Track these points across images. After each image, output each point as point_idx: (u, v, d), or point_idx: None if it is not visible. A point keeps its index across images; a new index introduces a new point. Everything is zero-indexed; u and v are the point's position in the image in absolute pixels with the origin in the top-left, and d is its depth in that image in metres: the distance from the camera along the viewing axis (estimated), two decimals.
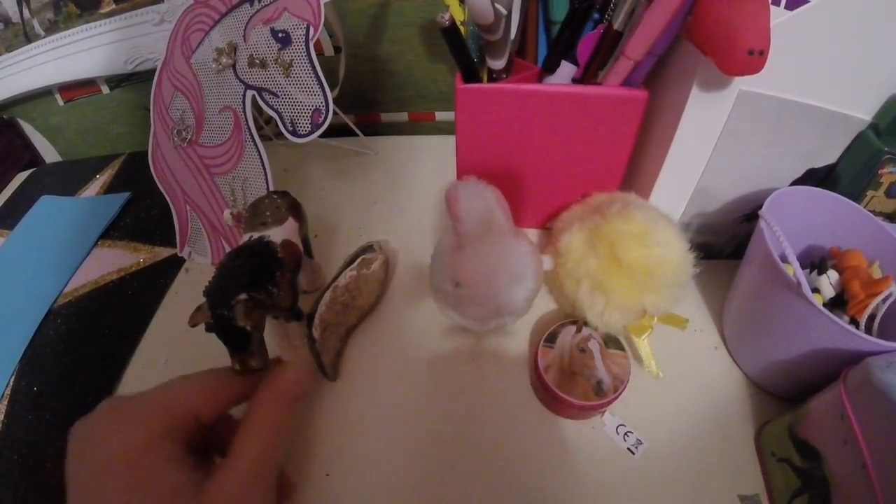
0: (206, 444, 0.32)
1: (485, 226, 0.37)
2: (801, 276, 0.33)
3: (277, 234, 0.40)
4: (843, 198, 0.40)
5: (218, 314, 0.33)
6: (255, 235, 0.39)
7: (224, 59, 0.50)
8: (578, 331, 0.42)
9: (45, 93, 0.73)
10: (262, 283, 0.35)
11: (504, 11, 0.40)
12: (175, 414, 0.29)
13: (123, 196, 0.67)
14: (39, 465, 0.41)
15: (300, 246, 0.43)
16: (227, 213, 0.52)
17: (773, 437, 0.37)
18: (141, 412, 0.29)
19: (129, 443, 0.27)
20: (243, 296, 0.33)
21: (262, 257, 0.37)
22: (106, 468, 0.27)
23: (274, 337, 0.43)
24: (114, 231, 0.63)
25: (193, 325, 0.33)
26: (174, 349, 0.48)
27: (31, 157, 0.82)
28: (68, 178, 0.74)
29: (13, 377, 0.48)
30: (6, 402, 0.46)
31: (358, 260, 0.47)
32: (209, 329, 0.33)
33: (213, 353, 0.47)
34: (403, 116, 0.74)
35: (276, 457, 0.32)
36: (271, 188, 0.50)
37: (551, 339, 0.41)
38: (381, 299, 0.50)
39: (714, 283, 0.48)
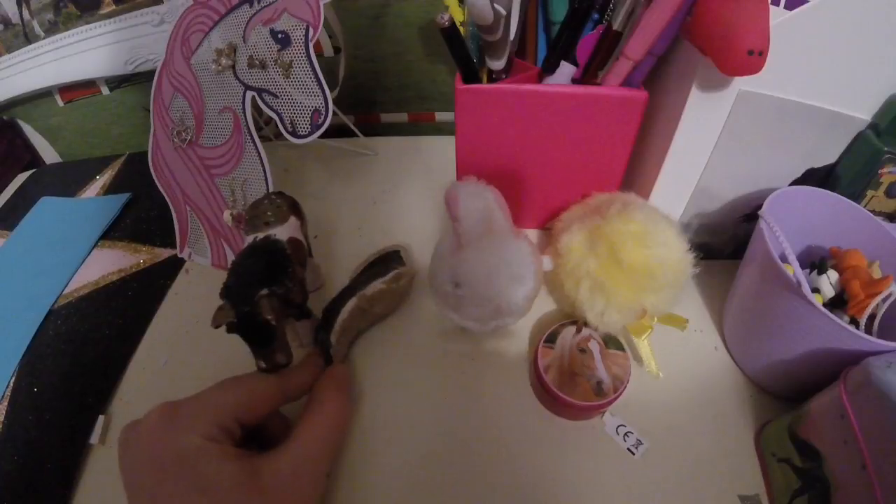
0: (256, 439, 0.33)
1: (484, 226, 0.37)
2: (801, 276, 0.33)
3: (282, 232, 0.40)
4: (843, 198, 0.40)
5: (242, 312, 0.33)
6: (261, 235, 0.39)
7: (224, 60, 0.50)
8: (578, 331, 0.42)
9: (45, 94, 0.74)
10: (279, 278, 0.36)
11: (503, 12, 0.40)
12: (221, 420, 0.30)
13: (123, 197, 0.67)
14: (39, 466, 0.41)
15: (305, 243, 0.43)
16: (227, 214, 0.52)
17: (774, 437, 0.37)
18: (190, 420, 0.30)
19: (182, 447, 0.29)
20: (265, 291, 0.34)
21: (274, 255, 0.37)
22: (163, 473, 0.28)
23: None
24: (114, 232, 0.63)
25: (217, 326, 0.33)
26: (174, 350, 0.48)
27: (32, 158, 0.82)
28: (68, 179, 0.74)
29: (13, 378, 0.48)
30: (6, 403, 0.46)
31: (391, 273, 0.46)
32: (231, 329, 0.33)
33: (213, 353, 0.47)
34: (403, 117, 0.74)
35: (333, 443, 0.35)
36: (271, 189, 0.50)
37: (551, 339, 0.41)
38: (396, 310, 0.49)
39: (714, 283, 0.48)
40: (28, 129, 0.80)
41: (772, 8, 0.33)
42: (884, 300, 0.35)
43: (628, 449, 0.38)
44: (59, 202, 0.70)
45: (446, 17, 0.37)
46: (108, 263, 0.58)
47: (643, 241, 0.38)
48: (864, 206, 0.41)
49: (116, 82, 0.73)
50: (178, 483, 0.27)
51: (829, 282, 0.38)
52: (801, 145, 0.41)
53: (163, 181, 0.58)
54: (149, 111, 0.57)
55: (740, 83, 0.37)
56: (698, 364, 0.44)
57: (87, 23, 0.66)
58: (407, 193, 0.63)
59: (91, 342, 0.50)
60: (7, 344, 0.51)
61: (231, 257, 0.55)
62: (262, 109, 0.49)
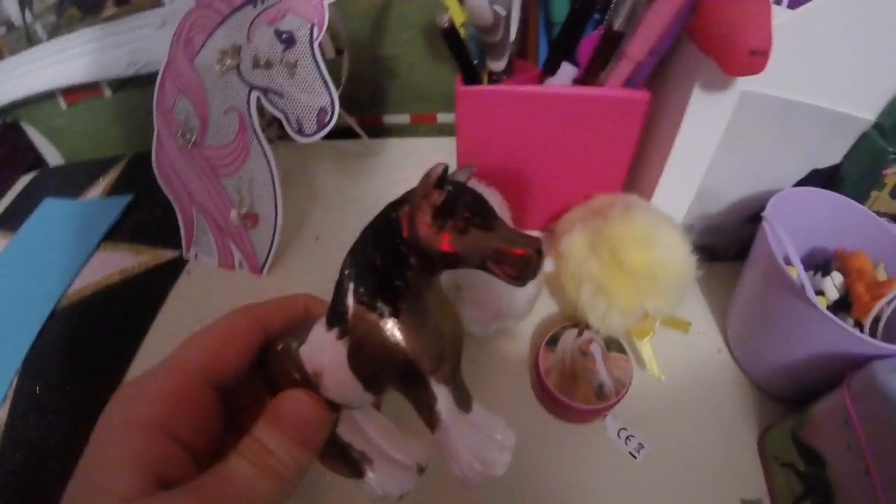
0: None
1: None
2: (805, 278, 0.33)
3: None
4: (847, 199, 0.40)
5: None
6: None
7: (228, 61, 0.50)
8: (580, 334, 0.42)
9: (47, 96, 0.74)
10: None
11: (503, 12, 0.39)
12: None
13: (126, 198, 0.67)
14: (41, 466, 0.41)
15: None
16: (234, 213, 0.53)
17: (777, 441, 0.36)
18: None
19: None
20: None
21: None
22: None
23: None
24: (116, 233, 0.63)
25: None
26: None
27: (35, 160, 0.83)
28: (71, 181, 0.74)
29: (16, 378, 0.48)
30: (8, 403, 0.46)
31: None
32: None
33: None
34: (405, 118, 0.74)
35: None
36: (277, 187, 0.50)
37: (553, 342, 0.41)
38: None
39: (717, 285, 0.47)
40: (31, 131, 0.80)
41: (774, 7, 0.33)
42: (888, 303, 0.35)
43: (630, 453, 0.38)
44: (63, 204, 0.70)
45: (446, 18, 0.37)
46: (110, 265, 0.59)
47: (645, 243, 0.38)
48: (869, 208, 0.40)
49: (119, 84, 0.73)
50: None
51: (833, 284, 0.38)
52: (805, 146, 0.41)
53: (167, 182, 0.58)
54: (151, 112, 0.57)
55: (743, 83, 0.37)
56: (701, 367, 0.43)
57: (89, 25, 0.66)
58: None
59: (93, 343, 0.51)
60: (10, 345, 0.51)
61: (238, 256, 0.55)
62: (264, 111, 0.49)
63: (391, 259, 0.21)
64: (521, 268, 0.20)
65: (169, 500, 0.19)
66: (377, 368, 0.22)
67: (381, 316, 0.21)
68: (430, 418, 0.23)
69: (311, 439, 0.23)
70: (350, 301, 0.22)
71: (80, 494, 0.20)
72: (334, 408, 0.25)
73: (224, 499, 0.20)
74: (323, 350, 0.23)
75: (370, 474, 0.27)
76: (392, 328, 0.21)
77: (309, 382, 0.24)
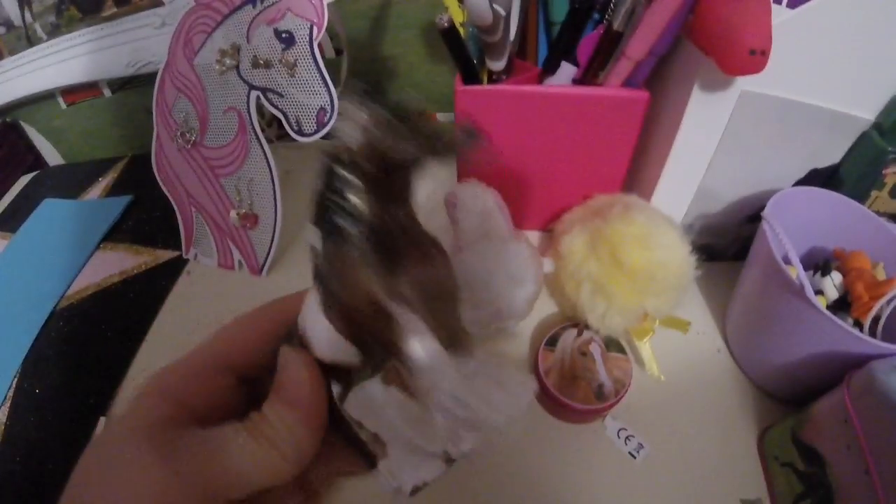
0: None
1: (484, 228, 0.37)
2: (804, 278, 0.33)
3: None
4: (846, 198, 0.40)
5: None
6: None
7: (227, 61, 0.50)
8: (580, 334, 0.41)
9: (47, 96, 0.74)
10: None
11: (503, 12, 0.39)
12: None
13: (125, 199, 0.67)
14: (41, 467, 0.41)
15: None
16: (233, 214, 0.53)
17: (777, 441, 0.36)
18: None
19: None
20: None
21: None
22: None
23: None
24: (116, 234, 0.63)
25: None
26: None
27: (34, 160, 0.83)
28: (71, 181, 0.74)
29: (16, 379, 0.48)
30: (8, 404, 0.46)
31: None
32: None
33: None
34: None
35: None
36: (277, 187, 0.50)
37: (552, 342, 0.41)
38: None
39: (717, 285, 0.47)
40: (31, 132, 0.81)
41: (774, 7, 0.32)
42: (888, 302, 0.35)
43: (629, 453, 0.38)
44: (62, 204, 0.70)
45: (445, 18, 0.37)
46: (110, 265, 0.59)
47: (644, 242, 0.38)
48: (869, 207, 0.40)
49: (118, 84, 0.73)
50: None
51: (832, 284, 0.38)
52: (805, 146, 0.41)
53: (167, 182, 0.58)
54: (151, 113, 0.57)
55: (742, 83, 0.37)
56: (701, 367, 0.43)
57: (89, 25, 0.66)
58: None
59: (93, 344, 0.51)
60: (9, 345, 0.51)
61: (238, 257, 0.55)
62: (264, 111, 0.49)
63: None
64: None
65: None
66: (346, 308, 0.21)
67: (350, 254, 0.20)
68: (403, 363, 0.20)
69: (301, 398, 0.22)
70: (319, 243, 0.20)
71: (88, 453, 0.20)
72: (333, 374, 0.23)
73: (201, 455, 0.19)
74: (308, 307, 0.22)
75: (383, 460, 0.24)
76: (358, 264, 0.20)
77: (304, 347, 0.23)
